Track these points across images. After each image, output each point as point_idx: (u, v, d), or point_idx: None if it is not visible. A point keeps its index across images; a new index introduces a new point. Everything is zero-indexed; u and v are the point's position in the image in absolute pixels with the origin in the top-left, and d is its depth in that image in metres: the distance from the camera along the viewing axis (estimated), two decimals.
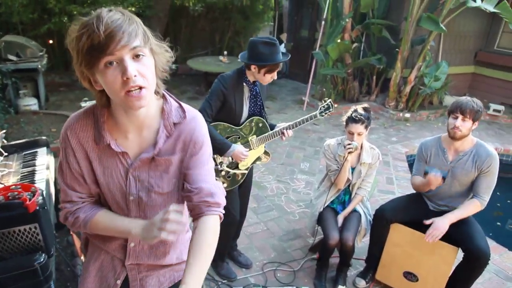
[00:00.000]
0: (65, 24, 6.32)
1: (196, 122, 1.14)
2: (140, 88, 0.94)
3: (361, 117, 2.39)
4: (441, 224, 2.23)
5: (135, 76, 0.92)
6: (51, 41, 6.66)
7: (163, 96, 1.13)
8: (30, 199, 1.46)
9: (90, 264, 1.25)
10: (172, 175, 1.14)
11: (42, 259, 1.51)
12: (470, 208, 2.27)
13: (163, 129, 1.10)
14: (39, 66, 5.22)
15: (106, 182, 1.11)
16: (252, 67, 2.15)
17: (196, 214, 1.13)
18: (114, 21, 0.89)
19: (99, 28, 0.87)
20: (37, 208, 1.48)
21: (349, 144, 2.38)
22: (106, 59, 0.90)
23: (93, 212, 1.13)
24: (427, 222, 2.30)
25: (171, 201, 1.18)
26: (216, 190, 1.15)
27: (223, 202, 1.17)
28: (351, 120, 2.41)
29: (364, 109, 2.46)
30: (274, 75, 2.21)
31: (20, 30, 6.28)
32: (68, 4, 6.25)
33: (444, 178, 2.22)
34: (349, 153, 2.39)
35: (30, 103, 5.24)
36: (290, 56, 2.21)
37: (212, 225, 1.12)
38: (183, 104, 1.15)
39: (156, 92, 1.07)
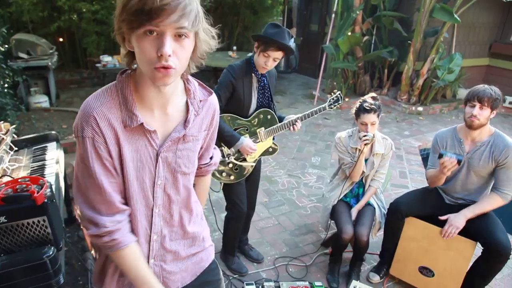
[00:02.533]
0: (74, 21, 6.36)
1: (215, 98, 1.18)
2: (169, 68, 0.88)
3: (373, 106, 2.33)
4: (457, 221, 2.16)
5: (169, 56, 0.86)
6: (61, 39, 6.70)
7: (182, 75, 1.07)
8: (38, 192, 1.44)
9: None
10: (195, 153, 1.14)
11: (51, 252, 1.48)
12: (489, 202, 2.18)
13: (192, 108, 1.07)
14: (50, 64, 5.25)
15: (134, 168, 1.01)
16: (255, 45, 2.11)
17: (200, 175, 1.31)
18: None
19: None
20: (45, 200, 1.45)
21: (365, 136, 2.31)
22: (149, 28, 0.83)
23: (128, 239, 1.03)
24: (442, 218, 2.23)
25: (190, 180, 1.16)
26: (217, 159, 1.33)
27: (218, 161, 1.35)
28: (363, 110, 2.34)
29: (373, 98, 2.40)
30: (268, 62, 2.07)
31: (30, 29, 6.33)
32: (77, 2, 6.26)
33: (459, 162, 2.09)
34: (365, 144, 2.32)
35: (41, 100, 5.27)
36: (293, 50, 2.10)
37: (208, 181, 1.41)
38: (202, 83, 1.16)
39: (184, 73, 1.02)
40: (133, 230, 1.08)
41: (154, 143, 1.02)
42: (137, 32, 0.85)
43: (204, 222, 1.32)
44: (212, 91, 1.16)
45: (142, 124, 0.98)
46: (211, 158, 1.31)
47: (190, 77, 1.10)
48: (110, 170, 0.98)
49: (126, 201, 1.04)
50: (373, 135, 2.34)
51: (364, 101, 2.38)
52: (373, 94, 2.45)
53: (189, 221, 1.21)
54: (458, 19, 5.36)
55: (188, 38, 0.89)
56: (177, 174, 1.09)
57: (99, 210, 1.00)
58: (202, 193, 1.39)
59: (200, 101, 1.10)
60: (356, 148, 2.44)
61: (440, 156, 2.14)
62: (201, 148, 1.20)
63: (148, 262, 1.15)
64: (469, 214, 2.17)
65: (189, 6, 0.85)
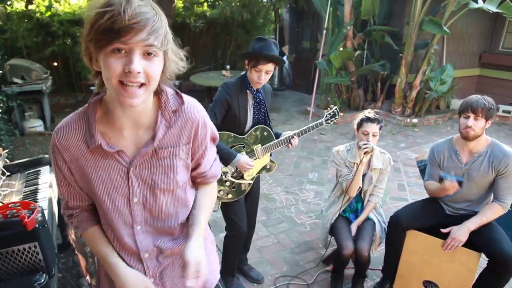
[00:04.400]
0: (68, 46, 6.40)
1: (196, 108, 1.09)
2: (141, 85, 0.88)
3: (376, 117, 2.33)
4: (460, 234, 2.12)
5: (138, 73, 0.86)
6: (55, 63, 6.73)
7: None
8: (29, 217, 1.40)
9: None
10: (178, 169, 1.07)
11: (42, 280, 1.43)
12: (490, 213, 2.14)
13: (161, 119, 1.02)
14: (44, 88, 5.26)
15: (105, 187, 1.03)
16: (246, 63, 2.10)
17: (197, 185, 1.23)
18: (143, 13, 0.84)
19: (126, 12, 0.81)
20: (36, 225, 1.41)
21: (365, 144, 2.29)
22: (117, 45, 0.84)
23: (85, 226, 1.14)
24: (445, 231, 2.19)
25: (178, 197, 1.12)
26: (217, 171, 1.24)
27: (220, 173, 1.27)
28: (366, 120, 2.34)
29: (376, 112, 2.40)
30: (261, 76, 2.05)
31: (25, 54, 6.37)
32: (71, 27, 6.33)
33: (460, 183, 2.10)
34: (365, 153, 2.30)
35: (35, 125, 5.26)
36: (281, 58, 2.11)
37: (212, 188, 1.26)
38: (179, 92, 1.09)
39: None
40: (121, 248, 1.11)
41: (122, 160, 1.02)
42: (105, 50, 0.85)
43: (208, 235, 1.28)
44: (185, 100, 1.07)
45: (100, 145, 0.98)
46: (214, 177, 1.25)
47: (165, 87, 1.06)
48: (71, 185, 1.09)
49: (104, 216, 1.09)
50: (373, 146, 2.32)
51: (369, 112, 2.39)
52: (376, 110, 2.45)
53: (184, 235, 1.17)
54: (447, 31, 5.44)
55: (157, 56, 0.90)
56: (156, 191, 1.06)
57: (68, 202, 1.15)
58: (202, 197, 1.22)
59: (173, 111, 1.04)
60: (354, 163, 2.42)
61: (441, 179, 2.14)
62: (196, 159, 1.14)
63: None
64: (472, 226, 2.13)
65: (158, 25, 0.86)
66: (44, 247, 1.46)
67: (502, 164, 2.10)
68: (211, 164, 1.21)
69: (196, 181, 1.21)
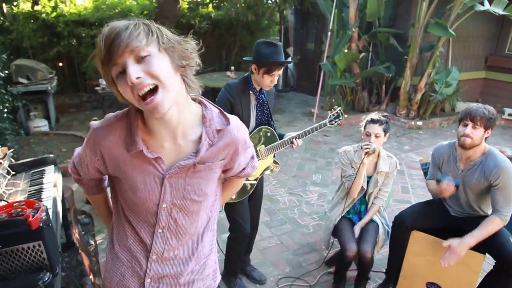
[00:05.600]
0: (73, 46, 6.43)
1: (242, 130, 1.12)
2: (153, 90, 0.89)
3: (380, 118, 2.34)
4: (459, 249, 2.07)
5: (138, 78, 0.86)
6: (60, 64, 6.77)
7: (201, 102, 1.08)
8: (33, 216, 1.41)
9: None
10: (210, 182, 1.10)
11: (46, 278, 1.44)
12: (491, 226, 2.09)
13: (205, 137, 1.04)
14: (49, 88, 5.29)
15: (137, 188, 1.05)
16: (253, 67, 2.11)
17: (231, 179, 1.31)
18: (113, 30, 0.86)
19: (101, 41, 0.87)
20: (41, 224, 1.42)
21: (367, 144, 2.29)
22: (114, 70, 0.88)
23: (93, 191, 1.29)
24: (445, 244, 2.12)
25: (205, 209, 1.14)
26: (251, 170, 1.26)
27: (253, 171, 1.29)
28: (370, 121, 2.37)
29: (384, 116, 2.41)
30: (274, 80, 2.10)
31: (30, 54, 6.40)
32: (76, 27, 6.36)
33: (457, 186, 2.09)
34: (365, 153, 2.29)
35: (40, 125, 5.28)
36: (292, 61, 2.14)
37: (238, 183, 1.35)
38: (223, 111, 1.10)
39: (189, 91, 1.02)
40: (131, 243, 1.12)
41: (159, 168, 1.03)
42: (113, 78, 0.91)
43: (212, 245, 1.26)
44: (232, 120, 1.09)
45: (142, 151, 1.00)
46: (246, 175, 1.28)
47: (209, 104, 1.08)
48: (88, 167, 1.14)
49: (127, 213, 1.12)
50: (375, 147, 2.31)
51: (374, 114, 2.41)
52: (385, 113, 2.46)
53: (196, 248, 1.17)
54: (453, 33, 5.42)
55: (152, 55, 0.89)
56: (186, 201, 1.07)
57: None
58: (226, 193, 1.34)
59: (217, 130, 1.05)
60: (360, 163, 2.42)
61: (438, 181, 2.14)
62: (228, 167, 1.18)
63: (144, 281, 1.12)
64: (472, 242, 2.07)
65: (133, 28, 0.88)
66: (48, 246, 1.47)
67: (493, 175, 2.07)
68: (244, 167, 1.23)
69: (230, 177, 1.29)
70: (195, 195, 1.07)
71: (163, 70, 0.90)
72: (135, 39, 0.86)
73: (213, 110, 1.08)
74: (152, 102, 0.89)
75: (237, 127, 1.10)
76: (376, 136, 2.33)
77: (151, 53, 0.89)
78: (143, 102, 0.89)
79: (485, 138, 2.12)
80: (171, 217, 1.08)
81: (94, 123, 1.08)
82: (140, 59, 0.88)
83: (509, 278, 2.04)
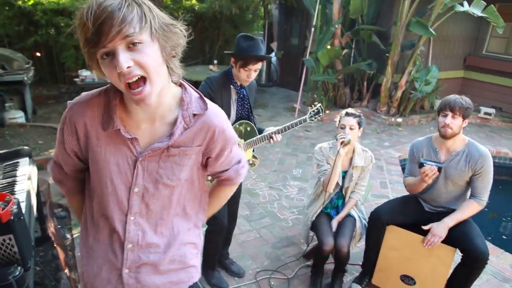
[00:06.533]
0: (52, 36, 6.27)
1: (220, 117, 1.09)
2: (140, 79, 0.87)
3: (353, 112, 2.40)
4: (440, 230, 2.17)
5: (128, 67, 0.84)
6: (38, 54, 6.59)
7: (181, 85, 1.06)
8: (3, 209, 1.37)
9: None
10: (184, 167, 1.07)
11: (17, 273, 1.40)
12: (468, 209, 2.21)
13: (181, 120, 1.02)
14: (25, 79, 5.13)
15: (109, 172, 1.02)
16: (232, 61, 2.10)
17: (220, 185, 1.29)
18: (104, 9, 0.80)
19: (88, 19, 0.80)
20: (12, 217, 1.38)
21: (342, 135, 2.33)
22: (101, 52, 0.84)
23: (73, 192, 1.23)
24: (426, 228, 2.24)
25: (178, 195, 1.11)
26: (235, 175, 1.23)
27: (243, 177, 1.27)
28: (344, 114, 2.42)
29: (356, 111, 2.45)
30: (251, 75, 2.08)
31: (6, 43, 6.21)
32: (55, 16, 6.20)
33: (439, 169, 2.12)
34: (341, 143, 2.31)
35: (16, 116, 5.13)
36: (270, 56, 2.13)
37: (225, 192, 1.31)
38: (203, 96, 1.08)
39: (171, 75, 0.99)
40: (104, 235, 1.09)
41: (134, 149, 1.02)
42: (97, 59, 0.87)
43: (195, 240, 1.23)
44: (211, 106, 1.07)
45: (119, 130, 0.99)
46: (231, 180, 1.25)
47: (189, 88, 1.07)
48: (67, 151, 1.09)
49: (100, 198, 1.08)
50: (350, 138, 2.32)
51: (349, 109, 2.45)
52: (356, 110, 2.49)
53: (172, 235, 1.15)
54: (433, 32, 5.52)
55: (143, 43, 0.86)
56: (158, 185, 1.06)
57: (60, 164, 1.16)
58: (213, 201, 1.29)
59: (194, 115, 1.04)
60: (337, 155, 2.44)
61: (421, 165, 2.16)
62: (211, 164, 1.16)
63: (122, 272, 1.10)
64: (451, 222, 2.18)
65: (127, 10, 0.83)
66: (19, 240, 1.43)
67: (478, 164, 2.16)
68: (229, 167, 1.21)
69: (216, 179, 1.27)
70: (168, 179, 1.06)
71: (153, 61, 0.89)
72: (128, 24, 0.82)
73: (193, 94, 1.06)
74: (140, 94, 0.88)
75: (216, 114, 1.08)
76: (351, 128, 2.36)
77: (143, 41, 0.86)
78: (130, 91, 0.88)
79: (463, 128, 2.21)
80: (143, 202, 1.06)
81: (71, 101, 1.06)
82: (131, 46, 0.85)
83: (475, 269, 2.13)
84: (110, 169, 1.02)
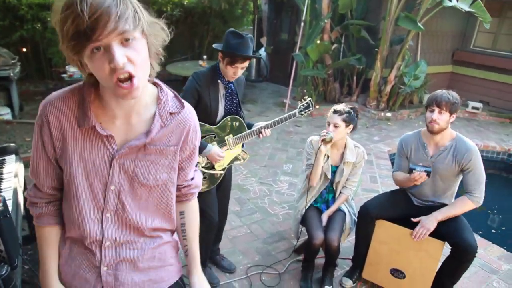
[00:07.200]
0: (38, 31, 6.15)
1: (193, 116, 1.13)
2: (130, 76, 0.86)
3: (341, 109, 2.37)
4: (428, 223, 2.20)
5: (124, 62, 0.84)
6: (24, 49, 6.46)
7: (156, 84, 1.07)
8: None
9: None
10: (161, 167, 1.07)
11: (4, 271, 1.38)
12: (460, 206, 2.22)
13: (158, 118, 1.03)
14: (11, 74, 5.03)
15: (85, 169, 1.01)
16: (220, 56, 2.09)
17: (181, 200, 1.25)
18: (101, 2, 0.79)
19: (83, 11, 0.77)
20: None
21: (325, 132, 2.34)
22: (93, 45, 0.82)
23: (45, 221, 1.11)
24: (415, 220, 2.27)
25: (154, 196, 1.11)
26: (199, 181, 1.26)
27: (200, 182, 1.29)
28: (332, 111, 2.41)
29: (351, 108, 2.41)
30: (237, 72, 2.08)
31: None
32: (41, 11, 6.07)
33: (429, 174, 2.17)
34: (322, 140, 2.33)
35: (2, 113, 5.04)
36: (257, 55, 2.11)
37: (195, 206, 1.30)
38: (178, 95, 1.11)
39: (149, 75, 0.98)
40: (81, 232, 1.07)
41: (110, 147, 1.01)
42: (84, 53, 0.84)
43: (173, 240, 1.24)
44: (186, 105, 1.10)
45: (94, 127, 0.97)
46: (197, 186, 1.26)
47: (165, 87, 1.08)
48: (51, 161, 1.04)
49: (75, 197, 1.04)
50: (332, 136, 2.33)
51: (341, 105, 2.44)
52: (355, 106, 2.47)
53: (151, 233, 1.14)
54: (422, 27, 5.56)
55: (136, 39, 0.87)
56: (134, 184, 1.05)
57: (38, 183, 1.09)
58: (190, 223, 1.27)
59: (170, 113, 1.05)
60: (325, 154, 2.45)
61: (411, 171, 2.20)
62: (182, 167, 1.15)
63: (100, 270, 1.09)
64: (440, 216, 2.21)
65: (122, 7, 0.82)
66: (5, 238, 1.41)
67: (465, 159, 2.18)
68: (194, 173, 1.23)
69: (181, 193, 1.22)
70: (144, 179, 1.05)
71: (142, 57, 0.89)
72: (124, 21, 0.82)
73: (168, 93, 1.08)
74: (130, 87, 0.87)
75: (191, 113, 1.12)
76: (335, 126, 2.36)
77: (135, 37, 0.87)
78: (119, 85, 0.87)
79: (450, 123, 2.22)
80: (119, 201, 1.06)
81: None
82: (124, 42, 0.85)
83: (463, 263, 2.16)
84: (85, 166, 1.01)
